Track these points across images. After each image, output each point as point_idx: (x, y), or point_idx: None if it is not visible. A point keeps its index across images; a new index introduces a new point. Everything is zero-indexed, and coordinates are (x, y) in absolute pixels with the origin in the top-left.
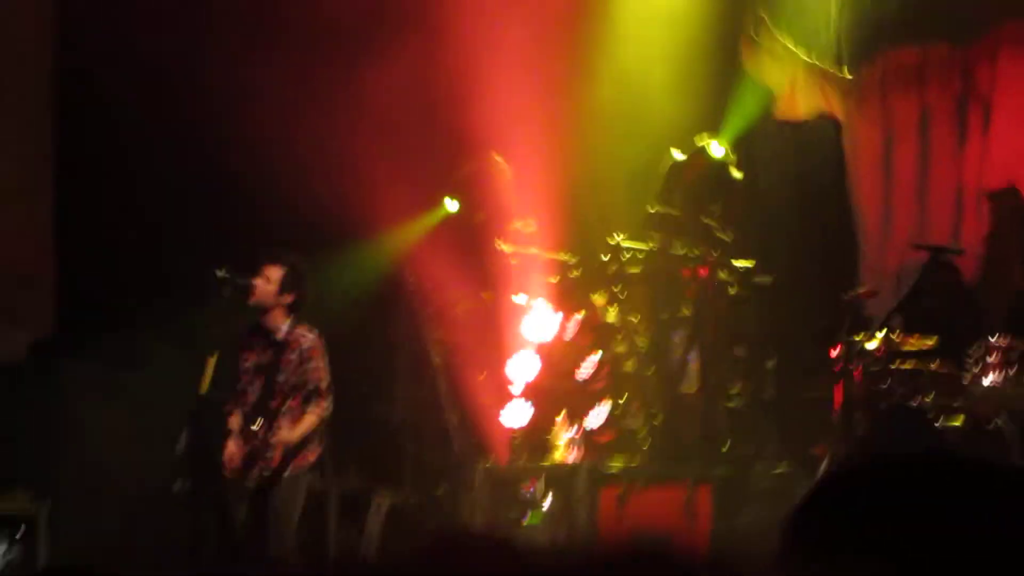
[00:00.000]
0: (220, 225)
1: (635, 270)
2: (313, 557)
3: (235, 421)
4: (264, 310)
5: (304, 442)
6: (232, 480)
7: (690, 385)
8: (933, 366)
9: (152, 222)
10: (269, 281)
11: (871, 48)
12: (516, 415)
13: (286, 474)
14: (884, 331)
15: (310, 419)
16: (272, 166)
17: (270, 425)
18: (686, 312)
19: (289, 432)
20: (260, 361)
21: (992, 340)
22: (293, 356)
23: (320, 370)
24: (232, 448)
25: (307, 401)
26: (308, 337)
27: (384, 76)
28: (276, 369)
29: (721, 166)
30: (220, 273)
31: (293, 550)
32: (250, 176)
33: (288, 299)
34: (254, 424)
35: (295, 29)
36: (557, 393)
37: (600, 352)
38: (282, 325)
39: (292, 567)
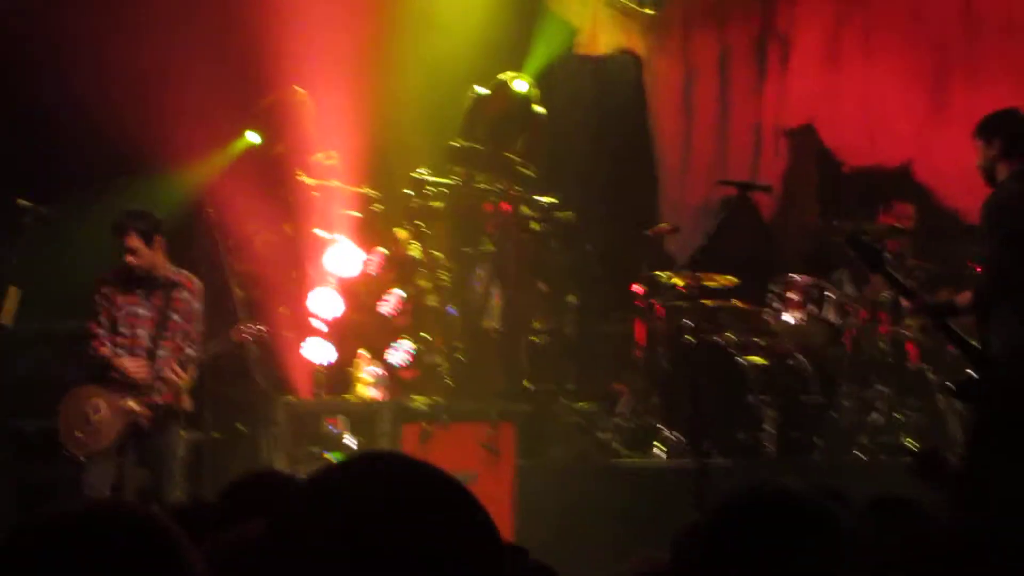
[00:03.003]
0: (22, 155)
1: (438, 204)
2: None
3: (107, 351)
4: (149, 269)
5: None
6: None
7: (492, 321)
8: (735, 303)
9: None
10: (134, 247)
11: None
12: (318, 350)
13: (174, 411)
14: (686, 268)
15: (191, 361)
16: (75, 96)
17: (161, 364)
18: (489, 247)
19: (182, 373)
20: (150, 303)
21: (791, 278)
22: (184, 295)
23: (202, 313)
24: (133, 364)
25: (185, 341)
26: (196, 281)
27: (187, 5)
28: (169, 309)
29: (523, 101)
30: (21, 203)
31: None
32: (53, 106)
33: (159, 243)
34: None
35: None
36: (359, 328)
37: (403, 287)
38: (168, 266)
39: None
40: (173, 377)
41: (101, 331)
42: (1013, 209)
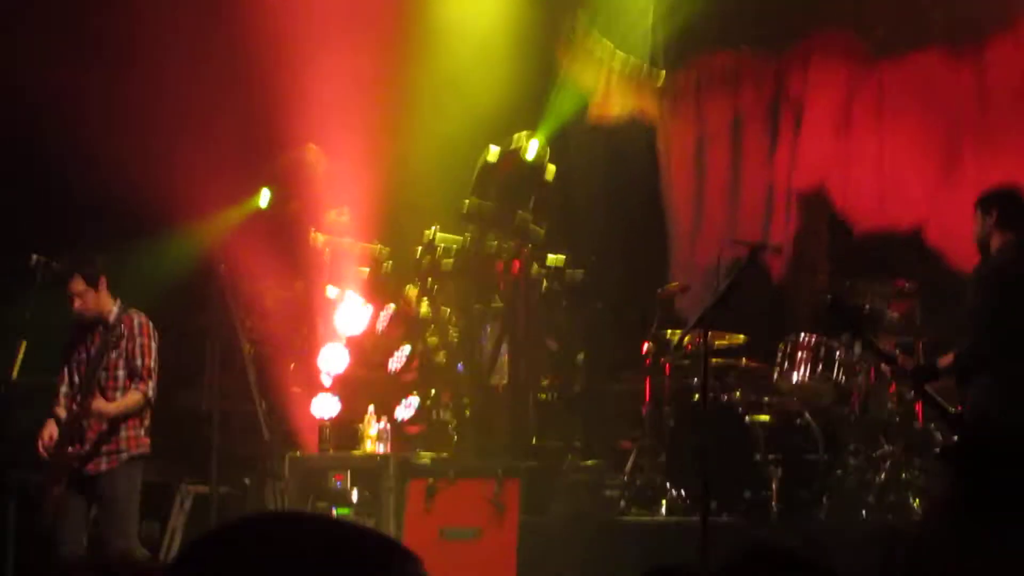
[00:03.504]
0: (33, 210)
1: (448, 263)
2: (113, 551)
3: (61, 412)
4: (94, 312)
5: (132, 425)
6: (55, 462)
7: (501, 378)
8: (742, 362)
9: None
10: (80, 292)
11: (687, 52)
12: (326, 406)
13: (123, 456)
14: (695, 327)
15: (134, 395)
16: (89, 153)
17: (97, 400)
18: (498, 305)
19: (107, 404)
20: (95, 343)
21: (800, 338)
22: (122, 332)
23: (148, 348)
24: (51, 429)
25: (132, 378)
26: (139, 316)
27: (202, 65)
28: (105, 348)
29: (535, 163)
30: (34, 258)
31: (136, 540)
32: (66, 162)
33: (103, 285)
34: (82, 400)
35: (111, 21)
36: (367, 385)
37: (411, 344)
38: (113, 308)
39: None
40: (101, 407)
41: (63, 387)
42: (1002, 280)
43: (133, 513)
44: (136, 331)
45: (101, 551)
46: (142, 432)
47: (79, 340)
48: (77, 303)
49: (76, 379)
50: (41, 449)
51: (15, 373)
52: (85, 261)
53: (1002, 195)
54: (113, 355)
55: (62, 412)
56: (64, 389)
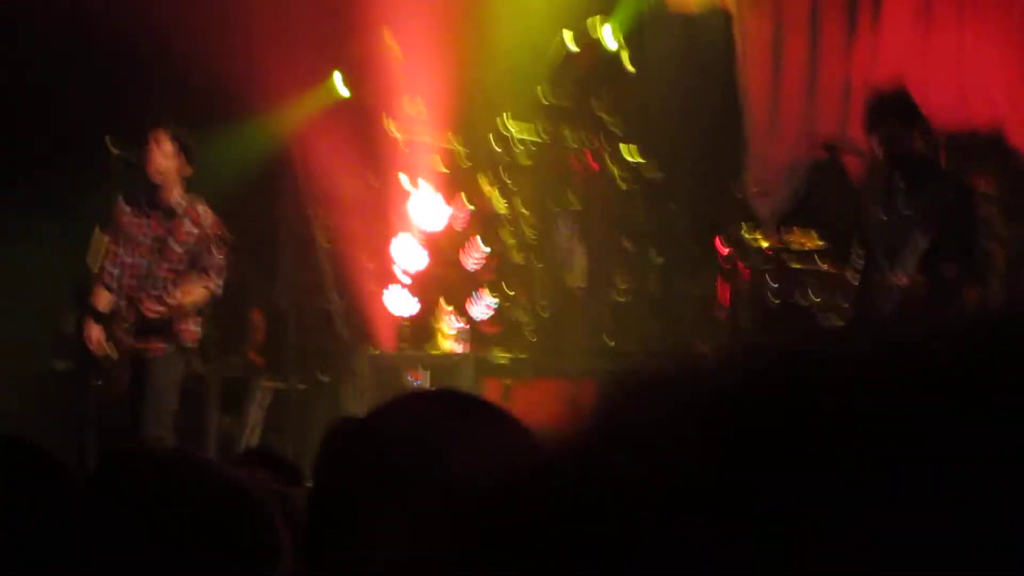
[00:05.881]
0: (109, 96)
1: (525, 160)
2: (191, 445)
3: (104, 296)
4: (162, 183)
5: (186, 317)
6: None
7: (577, 278)
8: (821, 265)
9: (37, 91)
10: (164, 151)
11: None
12: (403, 303)
13: (167, 347)
14: (773, 229)
15: (200, 291)
16: (163, 37)
17: (160, 294)
18: (575, 204)
19: (178, 296)
20: (155, 232)
21: None
22: (193, 229)
23: (212, 243)
24: (95, 330)
25: (203, 272)
26: (210, 213)
27: None
28: (172, 239)
29: (613, 56)
30: (112, 147)
31: (170, 431)
32: (141, 47)
33: (187, 171)
34: (143, 292)
35: None
36: (444, 282)
37: (488, 242)
38: (181, 198)
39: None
40: (161, 308)
41: (114, 269)
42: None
43: (173, 403)
44: (204, 226)
45: (135, 436)
46: (198, 326)
47: (133, 214)
48: (155, 156)
49: (129, 260)
50: (94, 348)
51: (94, 264)
52: (184, 133)
53: (915, 105)
54: (177, 249)
55: (107, 296)
56: (115, 271)
